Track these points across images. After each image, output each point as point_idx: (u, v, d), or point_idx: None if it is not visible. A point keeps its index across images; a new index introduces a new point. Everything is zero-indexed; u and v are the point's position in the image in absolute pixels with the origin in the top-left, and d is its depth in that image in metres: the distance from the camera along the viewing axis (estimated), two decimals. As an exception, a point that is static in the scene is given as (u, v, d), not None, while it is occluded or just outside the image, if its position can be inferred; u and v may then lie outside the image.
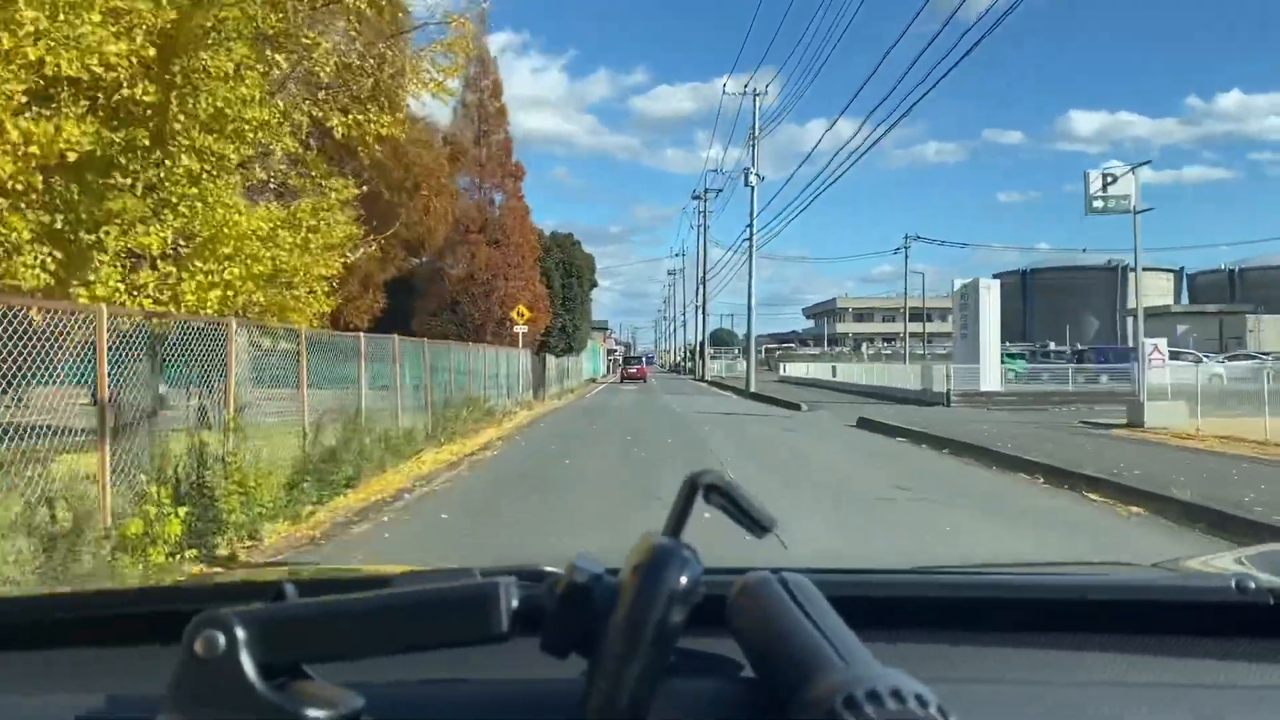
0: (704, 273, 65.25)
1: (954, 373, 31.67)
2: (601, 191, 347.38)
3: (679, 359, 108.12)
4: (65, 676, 0.99)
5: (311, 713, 0.64)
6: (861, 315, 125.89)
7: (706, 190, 64.45)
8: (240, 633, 0.65)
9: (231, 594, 1.02)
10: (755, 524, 0.70)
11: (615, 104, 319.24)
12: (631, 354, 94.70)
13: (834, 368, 48.43)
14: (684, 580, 0.65)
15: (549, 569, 0.85)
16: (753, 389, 40.70)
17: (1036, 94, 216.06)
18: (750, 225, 40.49)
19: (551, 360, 40.01)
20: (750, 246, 40.28)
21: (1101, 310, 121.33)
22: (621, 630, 0.64)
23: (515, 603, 0.68)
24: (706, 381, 61.78)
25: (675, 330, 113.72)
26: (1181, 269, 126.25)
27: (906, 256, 76.49)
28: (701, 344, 69.05)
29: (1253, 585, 1.01)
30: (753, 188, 40.08)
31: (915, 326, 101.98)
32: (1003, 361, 57.81)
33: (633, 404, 33.29)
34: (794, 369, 61.14)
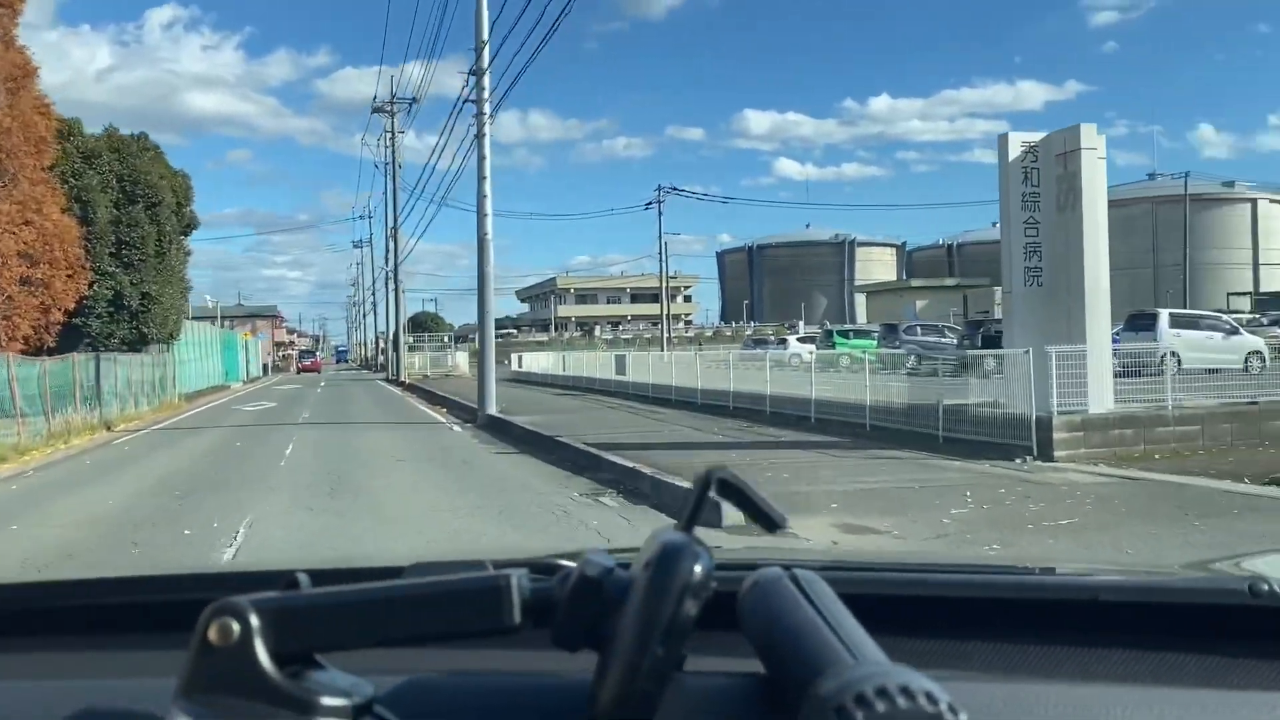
0: (396, 219, 42.07)
1: (1031, 365, 11.66)
2: (288, 177, 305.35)
3: (371, 352, 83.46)
4: (77, 664, 0.96)
5: (325, 700, 0.62)
6: (584, 297, 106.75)
7: (395, 99, 41.49)
8: (255, 621, 0.62)
9: (244, 582, 0.87)
10: (768, 520, 0.69)
11: (298, 86, 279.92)
12: (306, 350, 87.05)
13: (620, 359, 27.26)
14: (695, 574, 0.62)
15: (561, 561, 0.80)
16: (491, 409, 18.91)
17: (714, 93, 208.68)
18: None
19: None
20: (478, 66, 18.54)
21: (830, 287, 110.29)
22: (632, 624, 0.62)
23: (527, 595, 0.65)
24: (402, 386, 38.89)
25: (365, 316, 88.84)
26: (903, 244, 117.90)
27: (660, 212, 57.20)
28: (396, 333, 45.65)
29: (1266, 589, 0.97)
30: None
31: (653, 308, 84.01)
32: (832, 342, 39.47)
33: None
34: (534, 362, 39.63)
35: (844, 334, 38.57)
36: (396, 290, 43.48)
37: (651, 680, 0.61)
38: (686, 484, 9.12)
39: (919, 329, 34.10)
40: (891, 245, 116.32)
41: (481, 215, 19.32)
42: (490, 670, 0.83)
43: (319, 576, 0.73)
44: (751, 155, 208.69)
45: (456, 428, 18.90)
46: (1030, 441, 11.39)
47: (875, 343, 33.66)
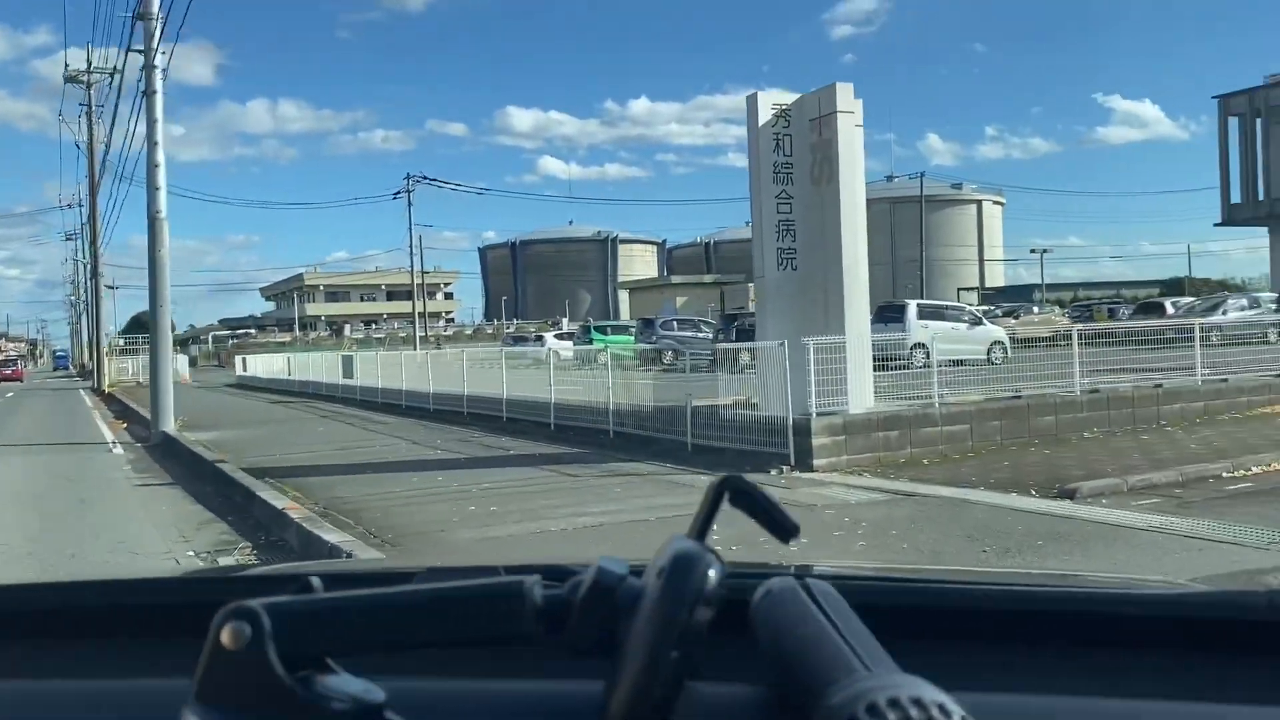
0: (94, 202, 36.09)
1: (786, 359, 10.00)
2: (3, 166, 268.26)
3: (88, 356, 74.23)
4: (91, 665, 0.95)
5: (336, 705, 0.62)
6: (336, 294, 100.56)
7: (90, 68, 35.79)
8: (267, 623, 0.62)
9: (257, 585, 0.88)
10: (780, 528, 0.67)
11: (13, 67, 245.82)
12: (7, 358, 75.47)
13: (348, 360, 24.15)
14: (707, 583, 0.62)
15: (574, 568, 0.77)
16: (167, 425, 15.51)
17: (476, 88, 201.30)
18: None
19: None
20: None
21: (594, 284, 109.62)
22: (644, 632, 0.61)
23: (539, 601, 0.65)
24: (101, 395, 33.64)
25: (80, 317, 78.93)
26: (664, 242, 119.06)
27: (410, 202, 53.63)
28: (96, 335, 39.61)
29: None
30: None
31: (410, 305, 79.89)
32: (590, 338, 37.69)
33: None
34: (259, 365, 35.35)
35: (601, 329, 36.94)
36: (95, 285, 37.51)
37: (664, 688, 0.61)
38: (337, 536, 6.64)
39: (675, 323, 32.87)
40: (652, 243, 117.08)
41: (153, 189, 15.82)
42: (502, 676, 0.80)
43: (332, 580, 0.72)
44: (516, 152, 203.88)
45: (119, 449, 15.30)
46: (788, 449, 9.69)
47: (633, 338, 32.22)
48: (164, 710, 0.67)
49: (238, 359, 38.52)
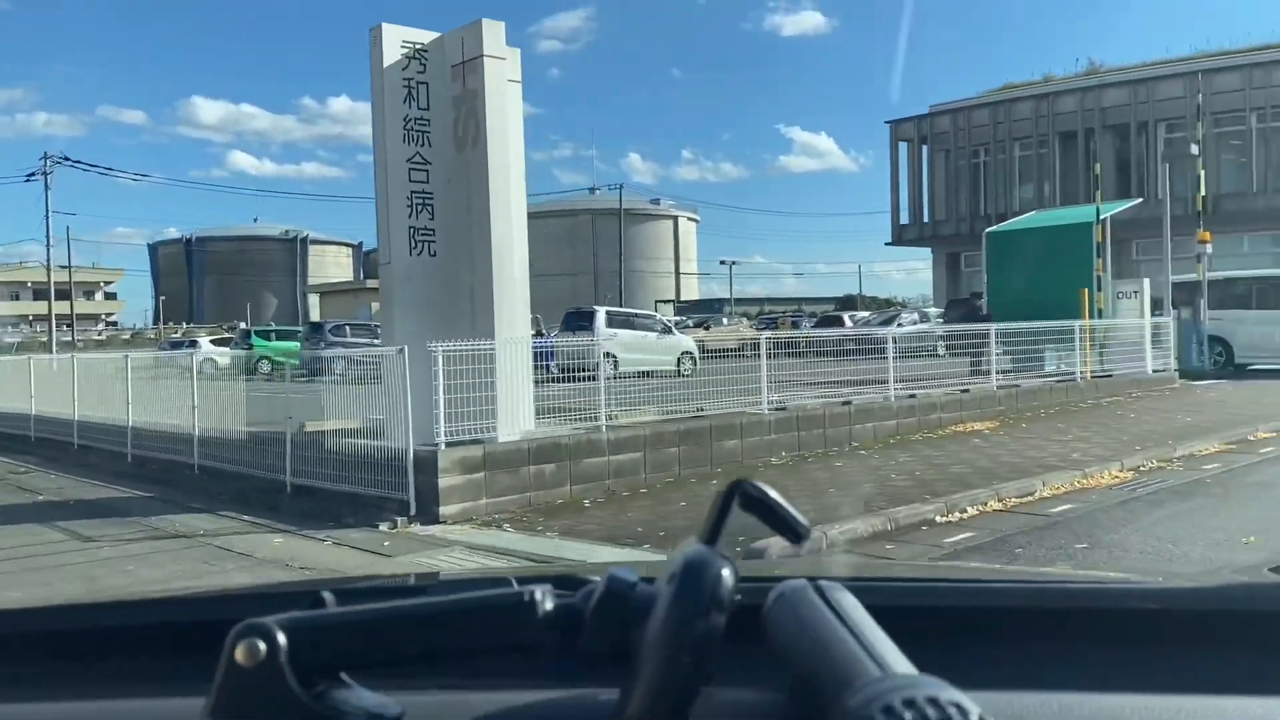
0: None
1: (407, 371, 7.52)
2: None
3: None
4: (105, 685, 0.93)
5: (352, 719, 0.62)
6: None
7: None
8: (281, 640, 0.62)
9: (270, 601, 0.87)
10: (792, 533, 0.67)
11: None
12: None
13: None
14: (720, 587, 0.61)
15: (586, 576, 0.77)
16: None
17: (157, 74, 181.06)
18: None
19: None
20: None
21: (282, 286, 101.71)
22: (658, 638, 0.61)
23: (551, 610, 0.65)
24: None
25: None
26: (360, 244, 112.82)
27: (48, 185, 45.89)
28: None
29: None
30: None
31: (62, 306, 69.48)
32: (250, 344, 33.30)
33: None
34: None
35: (264, 334, 32.67)
36: None
37: (678, 694, 0.60)
38: None
39: (348, 329, 29.35)
40: (348, 245, 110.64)
41: None
42: (517, 688, 0.79)
43: (344, 594, 0.72)
44: (203, 145, 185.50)
45: None
46: (407, 493, 7.21)
47: (299, 344, 28.47)
48: None
49: None
